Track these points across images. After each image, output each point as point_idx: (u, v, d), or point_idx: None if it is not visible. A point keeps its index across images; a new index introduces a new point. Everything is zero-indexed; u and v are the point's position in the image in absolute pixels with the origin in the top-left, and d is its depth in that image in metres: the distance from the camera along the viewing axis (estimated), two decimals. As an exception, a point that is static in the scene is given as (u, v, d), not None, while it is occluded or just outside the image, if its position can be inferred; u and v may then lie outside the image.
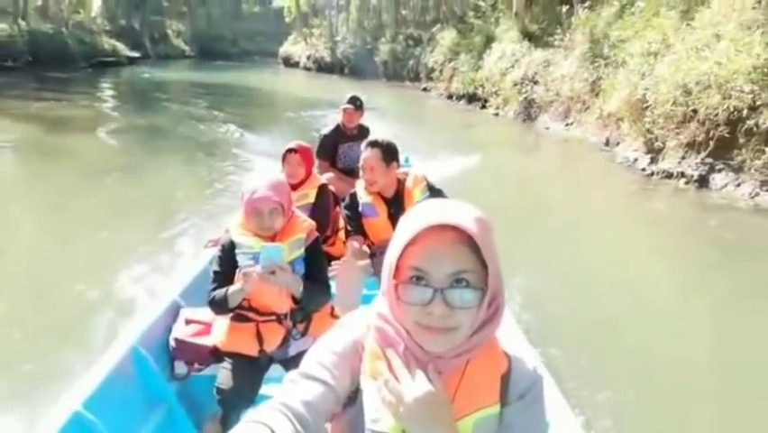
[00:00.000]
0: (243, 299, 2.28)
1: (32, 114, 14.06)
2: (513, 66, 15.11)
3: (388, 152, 3.03)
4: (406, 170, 3.30)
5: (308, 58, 36.47)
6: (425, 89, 22.40)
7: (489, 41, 17.61)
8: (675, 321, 4.32)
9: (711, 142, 7.64)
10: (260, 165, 8.36)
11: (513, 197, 8.11)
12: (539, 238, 6.00)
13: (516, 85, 14.45)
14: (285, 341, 2.35)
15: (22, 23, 28.71)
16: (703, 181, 7.73)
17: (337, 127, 5.09)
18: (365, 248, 3.13)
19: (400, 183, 3.12)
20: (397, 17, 30.86)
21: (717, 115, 7.51)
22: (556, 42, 13.91)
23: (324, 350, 1.02)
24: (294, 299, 2.28)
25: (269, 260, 2.10)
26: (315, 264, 2.36)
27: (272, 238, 2.28)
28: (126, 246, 5.35)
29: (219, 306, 2.27)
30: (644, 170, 8.63)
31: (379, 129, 11.64)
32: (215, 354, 2.39)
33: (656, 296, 4.84)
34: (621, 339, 3.98)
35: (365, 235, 3.17)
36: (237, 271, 2.28)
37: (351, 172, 4.79)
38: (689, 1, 9.39)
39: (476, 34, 19.25)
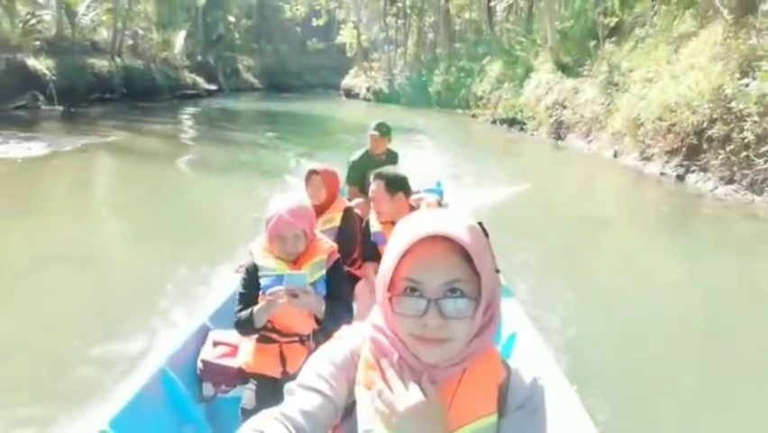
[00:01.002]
0: (267, 321, 2.36)
1: (128, 136, 16.52)
2: (547, 93, 17.49)
3: (392, 184, 3.18)
4: (421, 196, 3.54)
5: (368, 89, 39.74)
6: (473, 116, 24.90)
7: (529, 71, 20.06)
8: (649, 269, 6.38)
9: (684, 149, 9.83)
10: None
11: (538, 192, 10.45)
12: (553, 217, 8.33)
13: (548, 109, 16.80)
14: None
15: (118, 60, 33.17)
16: (680, 179, 9.90)
17: (366, 153, 5.25)
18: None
19: (413, 210, 3.19)
20: (451, 51, 33.74)
21: (687, 127, 9.71)
22: (585, 72, 16.23)
23: (322, 361, 1.05)
24: (317, 319, 2.34)
25: (292, 285, 2.18)
26: (337, 284, 2.41)
27: (294, 261, 2.35)
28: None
29: (244, 327, 2.35)
30: (638, 171, 10.85)
31: (428, 148, 14.29)
32: (241, 376, 2.46)
33: (634, 245, 7.17)
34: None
35: (379, 261, 3.83)
36: (260, 293, 2.34)
37: None
38: (679, 38, 11.62)
39: (518, 66, 21.74)
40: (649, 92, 11.25)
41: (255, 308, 2.29)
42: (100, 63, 30.43)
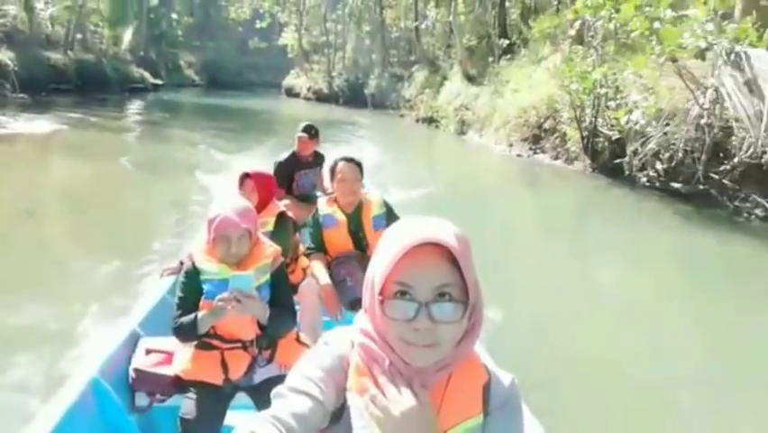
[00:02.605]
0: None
1: (86, 123, 19.30)
2: (455, 98, 22.32)
3: (362, 170, 3.45)
4: (364, 192, 3.67)
5: (308, 89, 43.91)
6: (401, 115, 29.61)
7: (444, 79, 24.92)
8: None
9: (531, 138, 14.74)
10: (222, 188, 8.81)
11: (436, 168, 15.14)
12: (447, 182, 12.97)
13: (455, 110, 21.62)
14: (250, 368, 2.41)
15: (71, 54, 35.95)
16: (529, 157, 14.79)
17: (293, 155, 5.41)
18: (323, 272, 3.39)
19: (360, 202, 3.47)
20: (384, 58, 38.48)
21: (533, 123, 14.62)
22: (484, 82, 21.12)
23: (310, 365, 1.08)
24: (260, 325, 2.34)
25: (237, 289, 2.18)
26: (281, 290, 2.44)
27: (238, 265, 2.35)
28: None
29: (186, 333, 2.32)
30: (506, 155, 15.73)
31: (367, 138, 18.95)
32: (178, 384, 2.41)
33: (499, 192, 11.83)
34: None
35: (325, 251, 3.50)
36: (203, 298, 2.34)
37: (307, 199, 5.18)
38: (539, 59, 16.62)
39: (438, 75, 26.60)
40: (515, 99, 16.13)
41: (199, 315, 2.27)
42: (55, 56, 33.23)
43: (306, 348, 1.78)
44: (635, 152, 9.93)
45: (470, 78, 22.55)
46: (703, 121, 8.47)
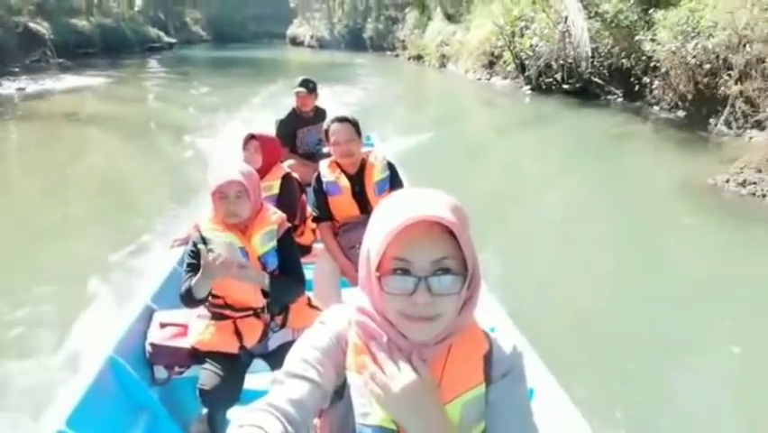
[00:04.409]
0: (218, 297, 2.44)
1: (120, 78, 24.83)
2: (437, 35, 26.67)
3: (357, 127, 3.30)
4: (368, 150, 3.62)
5: (311, 37, 48.07)
6: (396, 55, 34.03)
7: (429, 20, 29.17)
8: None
9: (488, 64, 19.26)
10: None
11: (417, 93, 19.75)
12: (426, 101, 17.67)
13: (437, 46, 25.99)
14: (264, 335, 2.48)
15: (92, 19, 40.28)
16: (488, 80, 19.33)
17: (293, 112, 5.37)
18: (335, 247, 3.34)
19: (363, 161, 3.36)
20: (380, 2, 42.41)
21: (489, 51, 19.12)
22: (461, 20, 25.38)
23: (307, 347, 1.09)
24: (264, 292, 2.40)
25: (222, 254, 2.20)
26: (288, 256, 2.48)
27: (243, 231, 2.41)
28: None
29: (188, 299, 2.37)
30: (471, 79, 20.30)
31: (364, 75, 24.00)
32: (195, 356, 2.48)
33: (462, 105, 16.56)
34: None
35: (331, 217, 3.40)
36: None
37: (311, 156, 5.13)
38: None
39: (425, 16, 30.82)
40: (477, 33, 20.55)
41: (193, 280, 2.31)
42: (81, 23, 37.66)
43: (319, 312, 1.81)
44: (538, 67, 14.58)
45: (450, 18, 26.81)
46: (567, 40, 13.09)
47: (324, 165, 3.38)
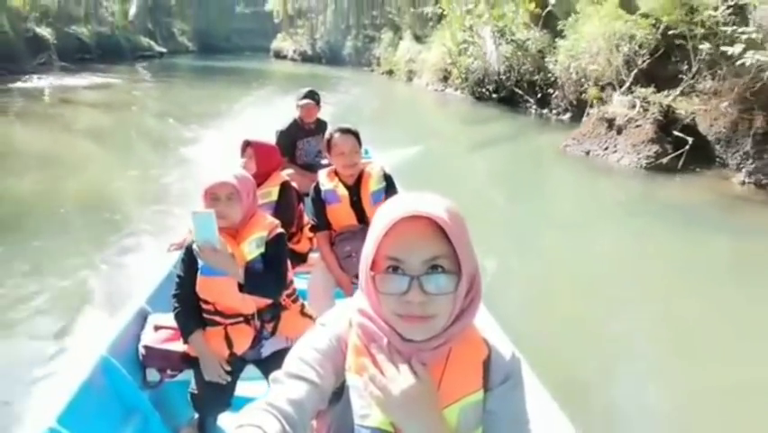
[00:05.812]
0: (209, 303, 2.45)
1: (114, 82, 29.35)
2: (406, 53, 31.02)
3: (359, 138, 3.40)
4: (367, 161, 3.75)
5: (294, 51, 52.10)
6: (372, 71, 38.35)
7: (401, 39, 33.57)
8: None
9: (443, 77, 23.57)
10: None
11: (385, 100, 23.88)
12: (389, 109, 21.83)
13: (405, 63, 30.32)
14: (255, 342, 2.51)
15: (89, 27, 43.89)
16: (442, 91, 23.60)
17: (294, 123, 5.52)
18: (331, 257, 3.43)
19: (361, 171, 3.46)
20: (359, 22, 46.81)
21: (443, 67, 23.44)
22: (426, 41, 29.70)
23: (307, 348, 1.13)
24: (239, 285, 2.37)
25: (201, 233, 2.23)
26: (272, 256, 2.46)
27: (233, 235, 2.42)
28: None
29: (180, 329, 2.48)
30: (429, 91, 24.55)
31: (342, 86, 28.51)
32: (187, 360, 2.52)
33: (422, 109, 20.74)
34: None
35: (329, 226, 3.47)
36: (198, 274, 2.40)
37: (310, 167, 5.24)
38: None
39: (397, 36, 35.22)
40: (435, 52, 24.91)
41: (192, 337, 2.40)
42: (79, 30, 41.26)
43: (312, 321, 1.87)
44: (474, 81, 18.96)
45: (418, 38, 31.18)
46: (487, 57, 17.46)
47: (323, 174, 3.49)
